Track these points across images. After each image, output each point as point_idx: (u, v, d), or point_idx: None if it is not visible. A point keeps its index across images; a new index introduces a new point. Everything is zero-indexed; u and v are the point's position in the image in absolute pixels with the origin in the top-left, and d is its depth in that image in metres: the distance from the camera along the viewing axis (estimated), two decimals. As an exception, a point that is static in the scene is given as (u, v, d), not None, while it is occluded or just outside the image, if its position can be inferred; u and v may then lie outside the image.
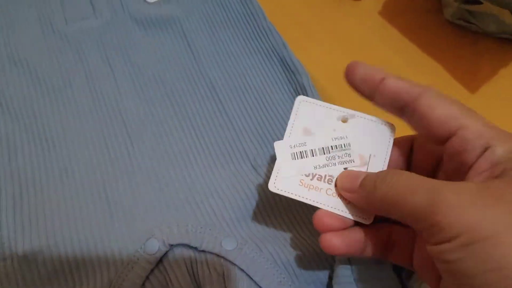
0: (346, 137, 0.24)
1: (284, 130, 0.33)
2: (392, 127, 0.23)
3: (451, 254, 0.16)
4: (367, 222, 0.22)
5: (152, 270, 0.26)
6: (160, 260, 0.26)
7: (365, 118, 0.24)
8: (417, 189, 0.17)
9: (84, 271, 0.26)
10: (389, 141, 0.23)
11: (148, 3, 0.38)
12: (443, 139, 0.20)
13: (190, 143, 0.32)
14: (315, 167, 0.23)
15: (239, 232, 0.28)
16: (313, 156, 0.23)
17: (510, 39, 0.39)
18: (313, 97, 0.33)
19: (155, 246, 0.26)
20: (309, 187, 0.23)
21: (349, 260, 0.26)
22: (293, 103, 0.34)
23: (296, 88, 0.35)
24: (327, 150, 0.23)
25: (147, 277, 0.26)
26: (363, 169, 0.23)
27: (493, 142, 0.18)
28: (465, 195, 0.16)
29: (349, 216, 0.22)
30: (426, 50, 0.40)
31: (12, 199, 0.29)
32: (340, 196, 0.23)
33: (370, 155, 0.23)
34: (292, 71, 0.35)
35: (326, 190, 0.23)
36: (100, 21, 0.36)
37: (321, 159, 0.23)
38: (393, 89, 0.21)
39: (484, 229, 0.15)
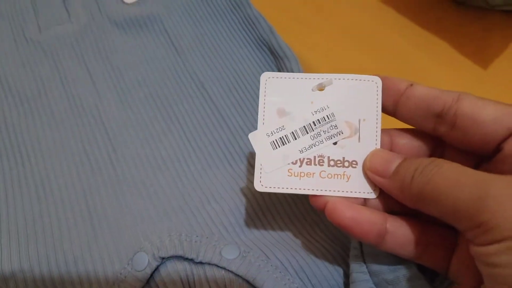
0: (328, 107, 0.20)
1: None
2: (377, 81, 0.20)
3: (498, 257, 0.14)
4: (373, 196, 0.19)
5: (142, 289, 0.22)
6: (151, 277, 0.23)
7: (343, 79, 0.20)
8: (462, 183, 0.15)
9: (65, 296, 0.23)
10: (376, 99, 0.20)
11: (126, 3, 0.35)
12: (499, 140, 0.17)
13: (181, 146, 0.29)
14: (301, 151, 0.20)
15: (241, 238, 0.25)
16: (295, 139, 0.20)
17: (517, 10, 0.36)
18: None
19: (144, 261, 0.23)
20: (300, 175, 0.20)
21: (364, 261, 0.22)
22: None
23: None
24: (309, 128, 0.20)
25: (137, 298, 0.22)
26: (355, 138, 0.20)
27: None
28: None
29: (352, 195, 0.19)
30: (430, 30, 0.37)
31: (-15, 220, 0.25)
32: (336, 175, 0.19)
33: (359, 120, 0.20)
34: (280, 57, 0.32)
35: (320, 173, 0.20)
36: (76, 25, 0.34)
37: (305, 140, 0.20)
38: (424, 96, 0.19)
39: None
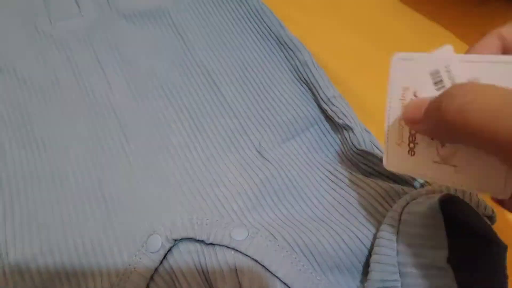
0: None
1: (291, 110, 0.31)
2: None
3: None
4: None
5: (156, 269, 0.24)
6: (165, 258, 0.24)
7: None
8: (503, 113, 0.13)
9: (83, 277, 0.24)
10: None
11: (135, -4, 0.36)
12: None
13: (190, 134, 0.30)
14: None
15: (249, 221, 0.26)
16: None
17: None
18: (316, 72, 0.31)
19: (157, 243, 0.24)
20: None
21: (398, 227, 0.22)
22: (296, 83, 0.32)
23: (297, 66, 0.32)
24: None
25: (152, 278, 0.23)
26: None
27: None
28: None
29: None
30: (433, 18, 0.37)
31: (3, 208, 0.26)
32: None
33: None
34: (291, 49, 0.33)
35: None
36: (86, 19, 0.35)
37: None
38: None
39: None
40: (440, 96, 0.16)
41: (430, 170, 0.19)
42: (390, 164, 0.21)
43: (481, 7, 0.37)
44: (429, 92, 0.18)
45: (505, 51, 0.17)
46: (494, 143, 0.13)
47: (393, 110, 0.20)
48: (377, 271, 0.21)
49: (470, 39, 0.36)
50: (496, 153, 0.14)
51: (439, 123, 0.16)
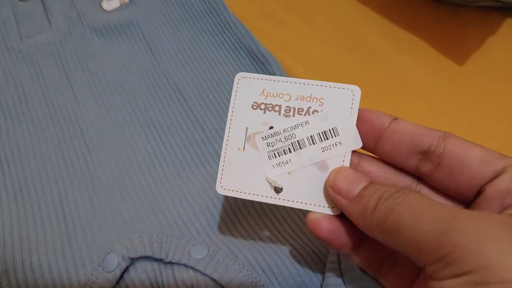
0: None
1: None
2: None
3: None
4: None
5: (112, 289, 0.23)
6: (122, 277, 0.23)
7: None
8: (426, 215, 0.14)
9: (37, 298, 0.23)
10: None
11: (106, 11, 0.36)
12: (483, 182, 0.17)
13: (155, 149, 0.29)
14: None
15: (211, 238, 0.25)
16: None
17: (492, 6, 0.36)
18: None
19: (114, 262, 0.23)
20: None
21: (340, 270, 0.22)
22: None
23: (267, 79, 0.32)
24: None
25: (107, 298, 0.23)
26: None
27: None
28: (488, 225, 0.13)
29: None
30: (406, 27, 0.37)
31: (-39, 227, 0.26)
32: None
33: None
34: (261, 62, 0.32)
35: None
36: (56, 34, 0.35)
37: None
38: (411, 131, 0.18)
39: (504, 271, 0.12)
40: (380, 190, 0.17)
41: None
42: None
43: (455, 18, 0.37)
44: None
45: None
46: (415, 241, 0.14)
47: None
48: None
49: (443, 48, 0.35)
50: (414, 254, 0.15)
51: (369, 215, 0.16)
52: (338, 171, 0.18)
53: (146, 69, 0.33)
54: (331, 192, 0.18)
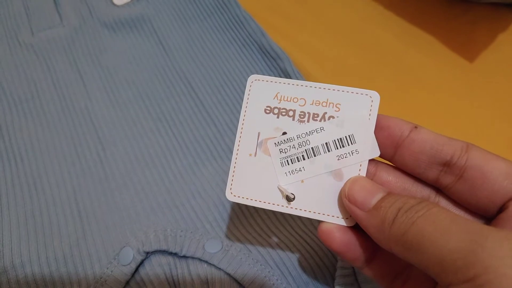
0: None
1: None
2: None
3: None
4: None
5: (128, 282, 0.23)
6: (137, 270, 0.24)
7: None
8: (453, 230, 0.14)
9: (53, 291, 0.23)
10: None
11: (117, 6, 0.36)
12: (507, 197, 0.16)
13: (168, 143, 0.30)
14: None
15: (224, 233, 0.25)
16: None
17: (503, 3, 0.36)
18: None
19: (129, 256, 0.24)
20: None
21: (356, 280, 0.22)
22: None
23: (279, 74, 0.32)
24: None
25: (123, 291, 0.23)
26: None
27: None
28: None
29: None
30: (416, 24, 0.37)
31: (-24, 220, 0.26)
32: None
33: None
34: (272, 58, 0.32)
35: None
36: (67, 29, 0.35)
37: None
38: (432, 140, 0.17)
39: None
40: (399, 201, 0.16)
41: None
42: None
43: (466, 14, 0.37)
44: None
45: None
46: (439, 259, 0.13)
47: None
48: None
49: (454, 44, 0.35)
50: (437, 272, 0.14)
51: (387, 228, 0.15)
52: (354, 180, 0.18)
53: (158, 64, 0.33)
54: (346, 203, 0.17)
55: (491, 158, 0.17)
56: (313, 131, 0.19)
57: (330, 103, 0.19)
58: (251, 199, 0.19)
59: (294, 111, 0.19)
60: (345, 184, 0.18)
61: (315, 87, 0.19)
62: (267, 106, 0.20)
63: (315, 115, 0.19)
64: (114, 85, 0.32)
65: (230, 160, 0.29)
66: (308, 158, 0.19)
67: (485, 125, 0.32)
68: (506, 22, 0.36)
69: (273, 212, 0.26)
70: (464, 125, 0.32)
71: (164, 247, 0.24)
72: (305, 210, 0.19)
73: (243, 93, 0.32)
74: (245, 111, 0.20)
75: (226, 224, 0.26)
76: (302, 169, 0.19)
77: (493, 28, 0.36)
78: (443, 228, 0.14)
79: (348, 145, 0.19)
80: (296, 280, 0.23)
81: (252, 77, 0.20)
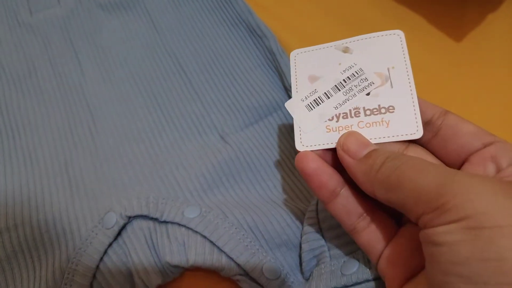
0: (355, 64, 0.22)
1: (256, 95, 0.32)
2: (399, 33, 0.21)
3: (451, 235, 0.14)
4: (417, 136, 0.19)
5: (111, 244, 0.25)
6: (120, 234, 0.25)
7: (366, 38, 0.22)
8: (429, 170, 0.16)
9: (43, 250, 0.25)
10: (402, 47, 0.21)
11: (112, -13, 0.37)
12: (471, 151, 0.19)
13: (155, 119, 0.31)
14: (336, 107, 0.21)
15: (204, 201, 0.27)
16: (328, 98, 0.21)
17: (496, -18, 0.36)
18: (281, 59, 0.32)
19: (112, 220, 0.25)
20: (339, 130, 0.21)
21: (318, 218, 0.24)
22: (263, 68, 0.33)
23: (265, 53, 0.33)
24: (340, 86, 0.21)
25: (106, 252, 0.25)
26: (387, 85, 0.21)
27: None
28: (486, 182, 0.15)
29: (395, 139, 0.20)
30: (404, 3, 0.37)
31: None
32: (374, 123, 0.20)
33: (388, 68, 0.21)
34: (259, 36, 0.33)
35: (358, 124, 0.20)
36: (64, 9, 0.36)
37: (338, 96, 0.21)
38: (420, 104, 0.20)
39: (498, 217, 0.14)
40: (386, 152, 0.18)
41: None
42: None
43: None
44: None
45: (499, 171, 0.18)
46: (415, 193, 0.16)
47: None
48: (306, 243, 0.23)
49: (442, 24, 0.36)
50: (412, 206, 0.16)
51: (373, 173, 0.18)
52: (349, 134, 0.20)
53: (149, 44, 0.34)
54: (340, 152, 0.19)
55: (463, 121, 0.20)
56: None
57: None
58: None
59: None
60: (341, 136, 0.20)
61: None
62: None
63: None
64: (107, 63, 0.34)
65: (214, 134, 0.30)
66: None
67: (468, 104, 0.32)
68: (496, 2, 0.36)
69: (252, 183, 0.28)
70: (446, 103, 0.32)
71: (145, 212, 0.25)
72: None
73: (230, 72, 0.33)
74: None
75: (206, 193, 0.27)
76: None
77: (483, 8, 0.36)
78: (421, 169, 0.16)
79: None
80: (269, 243, 0.24)
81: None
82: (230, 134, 0.30)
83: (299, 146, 0.21)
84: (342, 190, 0.20)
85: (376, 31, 0.36)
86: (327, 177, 0.20)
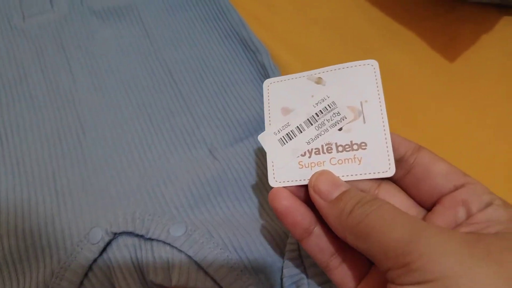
0: (328, 97, 0.21)
1: (247, 110, 0.32)
2: (374, 63, 0.21)
3: None
4: (389, 175, 0.19)
5: (95, 260, 0.25)
6: (105, 250, 0.25)
7: (340, 69, 0.22)
8: (397, 222, 0.16)
9: (27, 263, 0.25)
10: (375, 79, 0.21)
11: (106, -7, 0.37)
12: (443, 193, 0.19)
13: (145, 131, 0.31)
14: (308, 142, 0.21)
15: (190, 218, 0.27)
16: (301, 132, 0.21)
17: (492, 3, 0.36)
18: (273, 75, 0.32)
19: (98, 235, 0.25)
20: (311, 166, 0.20)
21: (299, 251, 0.24)
22: (255, 83, 0.33)
23: (258, 67, 0.33)
24: (313, 120, 0.21)
25: (91, 268, 0.25)
26: (360, 121, 0.20)
27: (496, 202, 0.18)
28: (452, 241, 0.15)
29: (367, 177, 0.19)
30: (400, 20, 0.37)
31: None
32: (346, 160, 0.20)
33: (361, 102, 0.21)
34: (252, 51, 0.33)
35: (330, 160, 0.20)
36: (57, 14, 0.36)
37: (311, 131, 0.21)
38: (393, 140, 0.20)
39: (463, 282, 0.14)
40: (358, 196, 0.18)
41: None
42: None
43: (452, 12, 0.37)
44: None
45: (470, 217, 0.18)
46: (383, 246, 0.16)
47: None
48: (286, 268, 0.24)
49: (436, 43, 0.36)
50: (380, 258, 0.16)
51: (344, 218, 0.18)
52: (320, 174, 0.20)
53: (142, 53, 0.34)
54: (311, 192, 0.19)
55: (436, 160, 0.20)
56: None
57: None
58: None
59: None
60: (312, 176, 0.20)
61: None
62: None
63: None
64: (99, 71, 0.33)
65: (203, 149, 0.30)
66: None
67: (457, 126, 0.32)
68: (491, 23, 0.36)
69: (239, 201, 0.28)
70: (435, 124, 0.32)
71: (131, 229, 0.25)
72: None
73: (221, 84, 0.33)
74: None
75: (193, 210, 0.27)
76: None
77: (478, 28, 0.36)
78: (390, 221, 0.16)
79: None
80: (253, 265, 0.25)
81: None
82: (219, 149, 0.30)
83: (272, 182, 0.21)
84: (315, 228, 0.20)
85: (370, 46, 0.36)
86: (300, 216, 0.20)
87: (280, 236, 0.25)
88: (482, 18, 0.36)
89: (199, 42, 0.35)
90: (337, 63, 0.36)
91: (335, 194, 0.19)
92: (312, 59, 0.36)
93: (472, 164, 0.30)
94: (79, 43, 0.35)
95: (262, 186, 0.29)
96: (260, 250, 0.25)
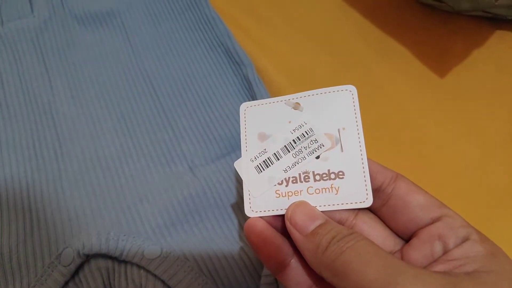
0: (305, 123, 0.21)
1: (230, 125, 0.31)
2: (352, 89, 0.21)
3: None
4: (366, 205, 0.19)
5: (67, 283, 0.24)
6: (77, 272, 0.24)
7: (317, 94, 0.21)
8: (373, 263, 0.15)
9: (-4, 286, 0.24)
10: (354, 106, 0.20)
11: (89, -2, 0.36)
12: (420, 226, 0.18)
13: (123, 145, 0.30)
14: (285, 170, 0.20)
15: (166, 239, 0.26)
16: (278, 159, 0.20)
17: (485, 16, 0.35)
18: (257, 89, 0.31)
19: (70, 257, 0.24)
20: (288, 195, 0.20)
21: (276, 280, 0.23)
22: (239, 96, 0.32)
23: (242, 80, 0.32)
24: (290, 147, 0.21)
25: (61, 291, 0.24)
26: (338, 149, 0.20)
27: (473, 237, 0.17)
28: (428, 284, 0.14)
29: (344, 207, 0.19)
30: (390, 33, 0.36)
31: None
32: (324, 189, 0.19)
33: (339, 129, 0.20)
34: (237, 63, 0.32)
35: (307, 190, 0.20)
36: (37, 20, 0.35)
37: (288, 159, 0.20)
38: (371, 169, 0.19)
39: None
40: (334, 230, 0.17)
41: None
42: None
43: (444, 25, 0.36)
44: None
45: (446, 252, 0.18)
46: (359, 286, 0.15)
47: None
48: None
49: (426, 58, 0.35)
50: None
51: (319, 253, 0.17)
52: (297, 205, 0.19)
53: (123, 62, 0.33)
54: (288, 224, 0.19)
55: (413, 190, 0.19)
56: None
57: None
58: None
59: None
60: (289, 207, 0.19)
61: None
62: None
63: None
64: (78, 81, 0.32)
65: (182, 165, 0.29)
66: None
67: (445, 145, 0.31)
68: (483, 36, 0.36)
69: (218, 221, 0.27)
70: (424, 140, 0.31)
71: (104, 251, 0.24)
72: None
73: (204, 98, 0.32)
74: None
75: (169, 230, 0.26)
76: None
77: (470, 43, 0.35)
78: (366, 260, 0.16)
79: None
80: (228, 290, 0.24)
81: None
82: (199, 166, 0.29)
83: (248, 212, 0.20)
84: (292, 261, 0.19)
85: (359, 61, 0.35)
86: (275, 250, 0.19)
87: (258, 260, 0.25)
88: (475, 32, 0.36)
89: (183, 52, 0.34)
90: (325, 77, 0.35)
91: (311, 227, 0.18)
92: (299, 74, 0.35)
93: (460, 183, 0.30)
94: (58, 50, 0.34)
95: (242, 205, 0.28)
96: (236, 275, 0.24)
